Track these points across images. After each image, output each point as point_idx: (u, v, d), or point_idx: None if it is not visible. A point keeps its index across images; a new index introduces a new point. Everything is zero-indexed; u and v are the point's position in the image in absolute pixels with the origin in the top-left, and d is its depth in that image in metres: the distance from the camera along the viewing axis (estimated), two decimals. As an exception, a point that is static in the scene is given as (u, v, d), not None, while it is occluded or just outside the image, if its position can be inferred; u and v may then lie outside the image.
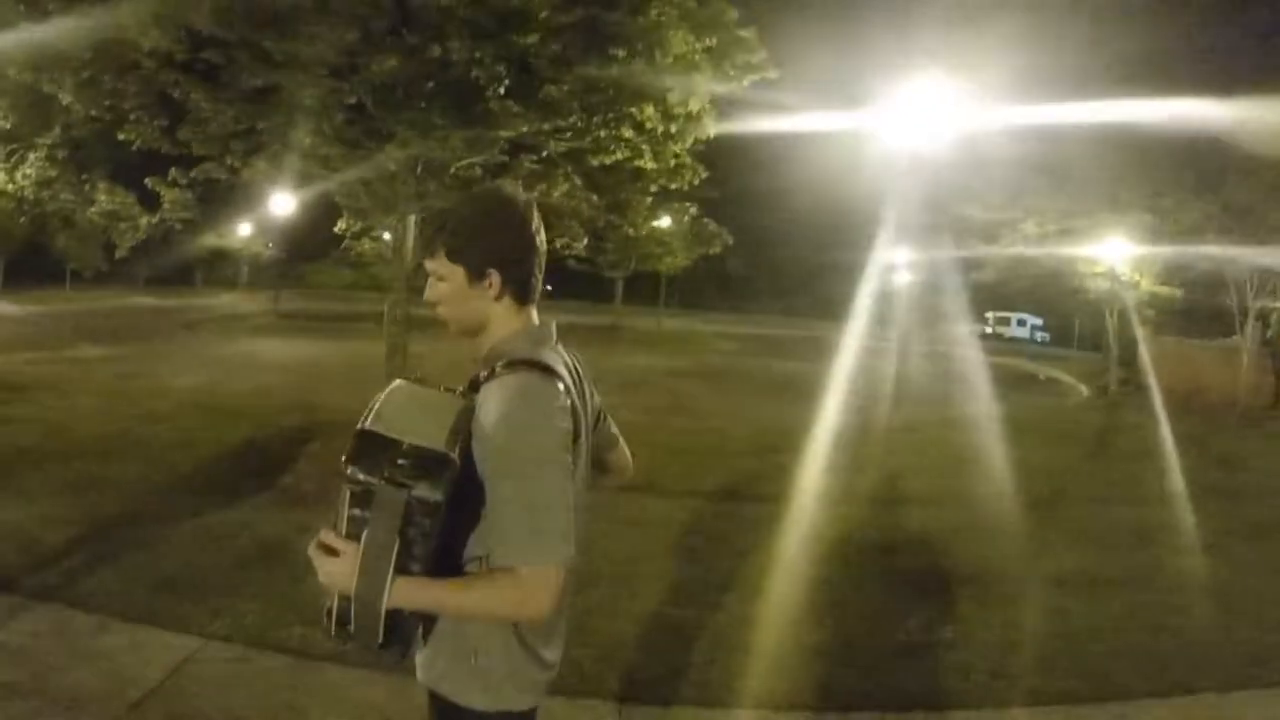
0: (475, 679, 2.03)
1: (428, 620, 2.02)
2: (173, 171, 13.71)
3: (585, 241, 26.21)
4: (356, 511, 1.87)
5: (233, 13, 8.48)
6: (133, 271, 43.09)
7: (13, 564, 5.98)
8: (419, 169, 11.04)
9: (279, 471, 8.96)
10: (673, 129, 11.10)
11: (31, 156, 21.72)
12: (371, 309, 25.27)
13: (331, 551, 1.88)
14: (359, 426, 1.91)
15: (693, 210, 36.70)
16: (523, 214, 2.11)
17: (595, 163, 11.95)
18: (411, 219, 11.06)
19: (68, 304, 34.39)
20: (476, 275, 2.08)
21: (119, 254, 29.84)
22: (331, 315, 37.78)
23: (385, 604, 1.84)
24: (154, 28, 8.34)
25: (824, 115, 16.45)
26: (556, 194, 13.46)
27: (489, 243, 2.08)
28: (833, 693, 4.93)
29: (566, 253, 33.24)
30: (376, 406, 1.95)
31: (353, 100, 10.13)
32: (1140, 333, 25.00)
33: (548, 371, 1.98)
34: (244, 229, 46.71)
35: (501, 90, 9.60)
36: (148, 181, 15.02)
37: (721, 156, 18.95)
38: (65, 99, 10.45)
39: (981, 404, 18.66)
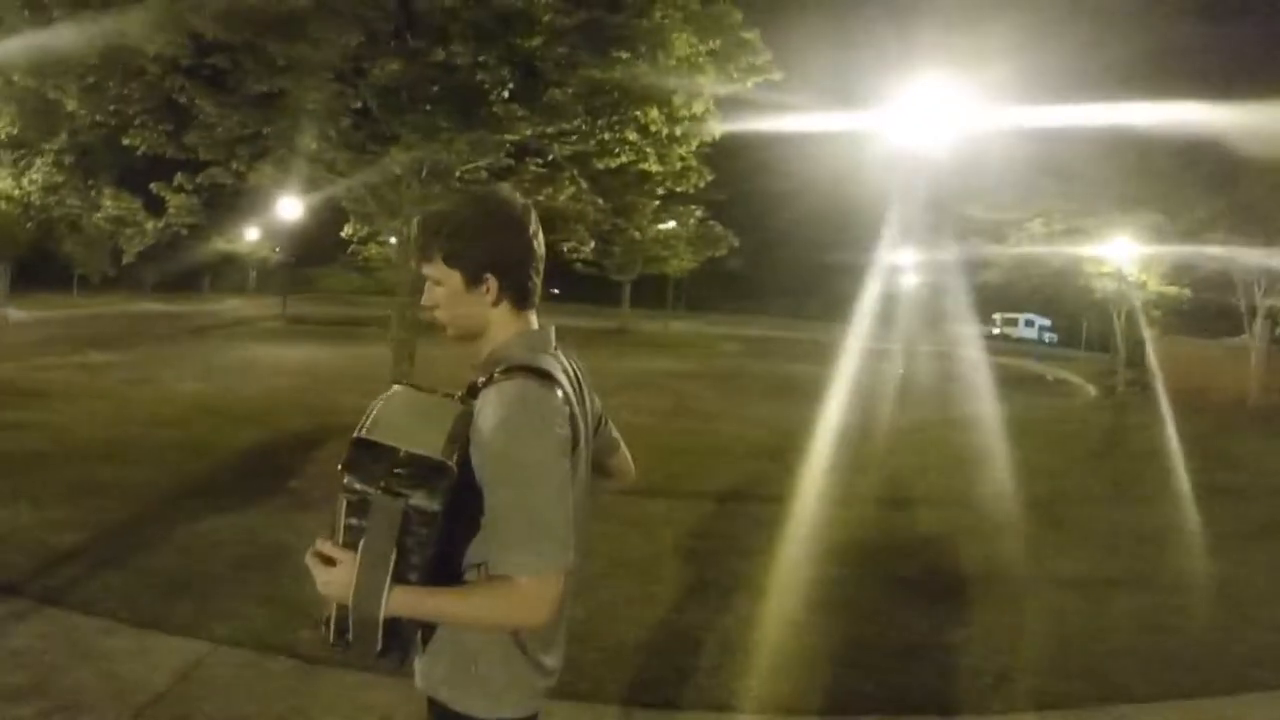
0: (474, 686, 2.02)
1: (427, 628, 2.00)
2: (178, 177, 13.74)
3: (592, 245, 26.26)
4: (353, 521, 1.86)
5: (236, 17, 8.49)
6: (140, 277, 43.17)
7: (19, 568, 6.00)
8: (424, 173, 11.07)
9: (287, 476, 8.97)
10: (678, 131, 11.10)
11: (38, 162, 21.78)
12: (379, 313, 25.27)
13: (329, 560, 1.87)
14: (355, 434, 1.90)
15: (698, 213, 36.70)
16: (520, 217, 2.09)
17: (600, 166, 11.96)
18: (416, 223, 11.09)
19: (75, 309, 34.51)
20: (473, 280, 2.06)
21: (126, 259, 29.82)
22: (339, 320, 37.81)
23: (383, 613, 1.83)
24: (158, 33, 8.35)
25: (829, 116, 16.46)
26: (562, 197, 13.50)
27: (486, 247, 2.05)
28: (838, 696, 4.92)
29: (574, 256, 33.34)
30: (373, 413, 1.94)
31: (358, 104, 10.16)
32: (1148, 333, 24.94)
33: (546, 378, 1.96)
34: (251, 234, 46.78)
35: (505, 93, 9.62)
36: (153, 187, 15.02)
37: (728, 159, 18.96)
38: (70, 104, 10.47)
39: (988, 405, 18.57)
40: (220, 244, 44.50)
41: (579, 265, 38.30)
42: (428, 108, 10.02)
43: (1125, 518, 9.55)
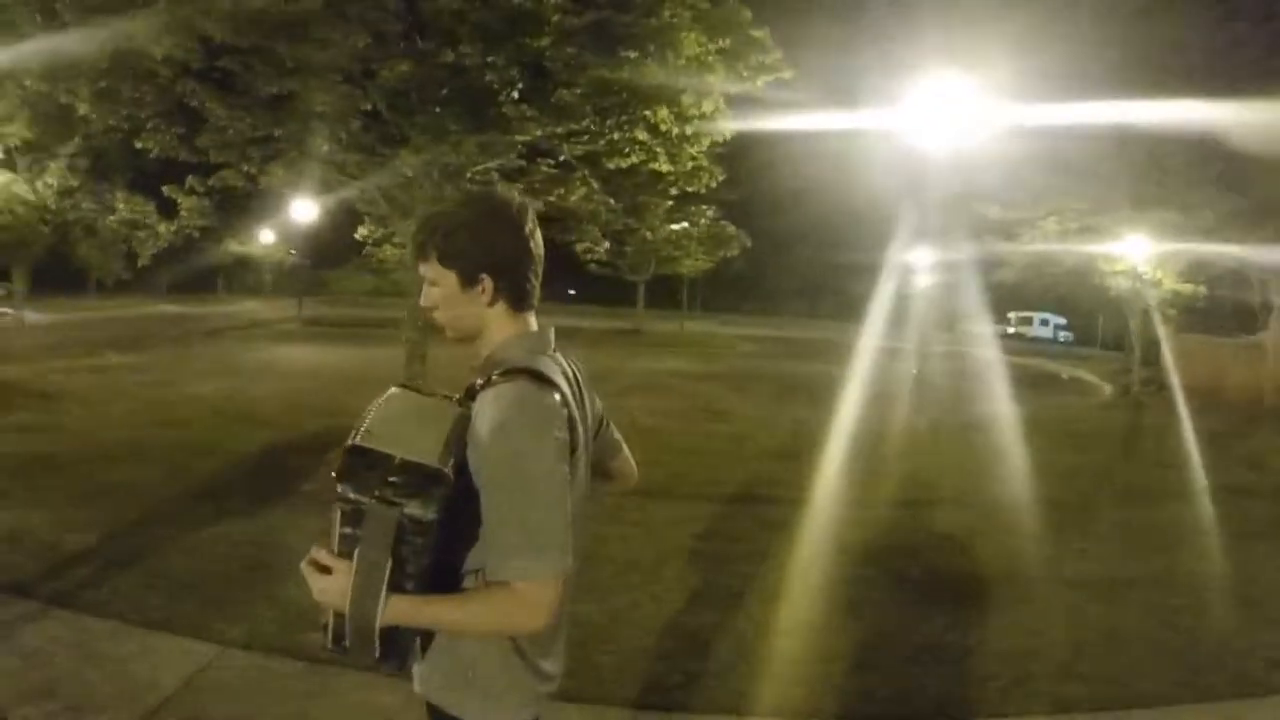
0: (473, 691, 2.00)
1: (426, 633, 1.99)
2: (190, 179, 13.80)
3: (606, 246, 26.28)
4: (348, 529, 1.85)
5: (244, 20, 8.52)
6: (155, 279, 43.41)
7: (31, 570, 6.03)
8: (435, 174, 11.08)
9: (299, 478, 8.98)
10: (688, 131, 11.08)
11: (52, 166, 21.91)
12: (394, 315, 25.30)
13: (324, 569, 1.86)
14: (349, 442, 1.89)
15: (710, 213, 36.65)
16: (516, 217, 2.07)
17: (612, 166, 11.95)
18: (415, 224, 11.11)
19: (91, 312, 34.70)
20: (469, 280, 2.05)
21: (140, 262, 30.01)
22: (354, 321, 37.94)
23: (379, 622, 1.82)
24: (165, 36, 8.38)
25: (840, 115, 16.41)
26: (574, 198, 13.49)
27: (481, 247, 2.04)
28: (849, 699, 4.88)
29: (588, 257, 33.37)
30: (369, 418, 1.93)
31: (368, 106, 10.17)
32: (1163, 331, 24.79)
33: (544, 380, 1.95)
34: (266, 236, 46.98)
35: (515, 94, 9.61)
36: (165, 189, 15.10)
37: (741, 159, 18.94)
38: (83, 109, 10.53)
39: (1003, 405, 18.51)
40: (235, 246, 44.73)
41: (593, 266, 38.42)
42: (437, 109, 10.02)
43: (1141, 518, 9.46)
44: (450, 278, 2.07)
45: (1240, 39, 19.19)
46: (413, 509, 1.82)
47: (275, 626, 5.26)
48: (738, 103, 11.45)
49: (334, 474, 1.86)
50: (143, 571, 6.17)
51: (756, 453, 12.66)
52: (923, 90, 15.20)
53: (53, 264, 33.58)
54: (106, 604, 5.52)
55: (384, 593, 1.81)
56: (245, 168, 11.60)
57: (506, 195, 2.16)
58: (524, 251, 2.08)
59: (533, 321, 2.14)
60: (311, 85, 9.39)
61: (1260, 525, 9.12)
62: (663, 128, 10.56)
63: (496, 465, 1.86)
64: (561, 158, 11.93)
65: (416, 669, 2.07)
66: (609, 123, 10.30)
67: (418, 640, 2.01)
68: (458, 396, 2.05)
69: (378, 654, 1.87)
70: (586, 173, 12.69)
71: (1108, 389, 27.39)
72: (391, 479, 1.83)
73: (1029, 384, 25.19)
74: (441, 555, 1.90)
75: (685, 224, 37.53)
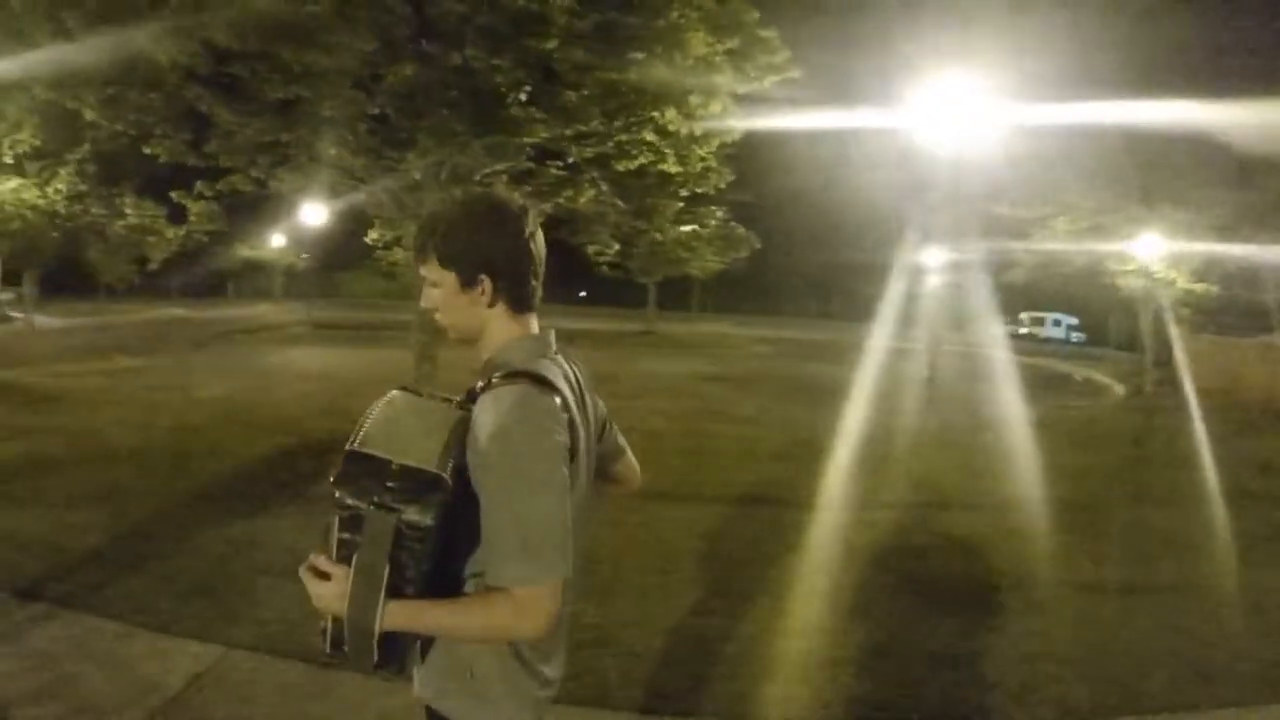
0: (472, 695, 2.00)
1: (425, 637, 1.99)
2: (198, 184, 13.84)
3: (616, 247, 26.21)
4: (346, 535, 1.85)
5: (248, 25, 8.54)
6: (166, 283, 43.56)
7: (38, 572, 6.06)
8: (442, 177, 11.08)
9: (308, 480, 8.98)
10: (696, 131, 11.07)
11: (62, 172, 21.99)
12: (404, 317, 25.34)
13: (323, 575, 1.86)
14: (348, 447, 1.88)
15: (719, 214, 36.57)
16: (516, 218, 2.06)
17: (621, 168, 11.94)
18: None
19: (101, 316, 34.82)
20: (468, 281, 2.04)
21: (150, 266, 30.17)
22: (365, 324, 37.99)
23: (378, 627, 1.82)
24: (171, 42, 8.41)
25: (852, 114, 16.38)
26: (583, 200, 13.46)
27: (479, 247, 2.03)
28: (859, 704, 4.84)
29: (598, 259, 33.37)
30: (367, 423, 1.92)
31: (376, 110, 10.18)
32: (1175, 331, 24.67)
33: (544, 383, 1.93)
34: (277, 240, 47.11)
35: (523, 96, 9.60)
36: (173, 195, 15.15)
37: (752, 160, 18.91)
38: (89, 115, 10.56)
39: (1014, 406, 18.43)
40: (245, 250, 44.86)
41: (604, 268, 38.39)
42: (445, 112, 10.02)
43: (1154, 521, 9.36)
44: (450, 278, 2.06)
45: (1247, 37, 19.10)
46: (411, 514, 1.81)
47: (280, 628, 5.26)
48: (747, 103, 11.43)
49: (331, 479, 1.85)
50: (149, 573, 6.19)
51: (766, 455, 12.62)
52: (932, 89, 15.17)
53: (64, 268, 33.71)
54: (112, 606, 5.54)
55: (382, 598, 1.81)
56: (253, 173, 11.62)
57: (506, 196, 2.15)
58: (523, 253, 2.07)
59: (534, 324, 2.13)
60: (318, 90, 9.41)
61: (1273, 529, 9.03)
62: (671, 129, 10.54)
63: (495, 469, 1.85)
64: (570, 160, 11.91)
65: (416, 672, 2.06)
66: (616, 124, 10.29)
67: (418, 644, 2.00)
68: (458, 399, 2.04)
69: (376, 659, 1.86)
70: (595, 175, 12.66)
71: (1120, 390, 27.26)
72: (389, 484, 1.83)
73: (1041, 385, 25.09)
74: (442, 560, 1.89)
75: (694, 226, 37.48)
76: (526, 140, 10.22)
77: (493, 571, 1.86)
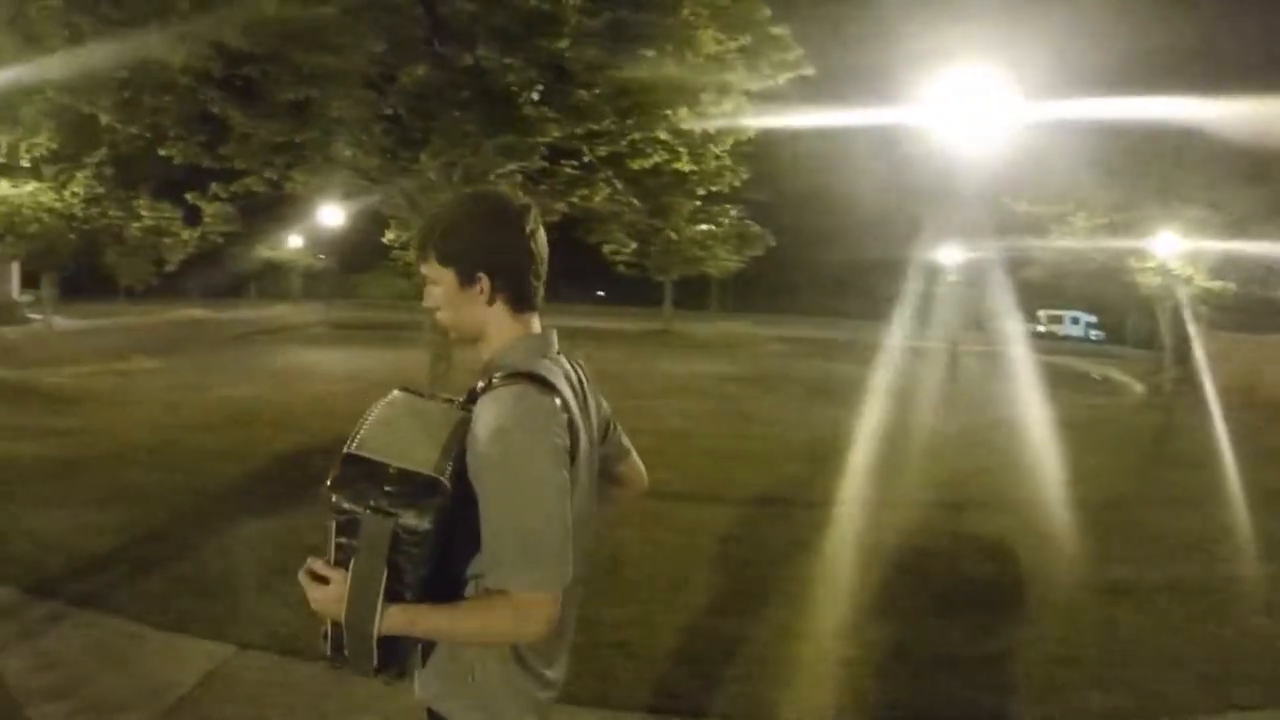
0: (472, 698, 1.99)
1: (426, 640, 1.98)
2: (213, 186, 13.90)
3: (633, 246, 26.28)
4: (343, 540, 1.84)
5: (259, 28, 8.56)
6: (186, 285, 43.69)
7: (54, 571, 6.11)
8: (455, 177, 11.08)
9: (323, 481, 8.94)
10: (711, 129, 11.04)
11: (79, 175, 22.13)
12: (421, 318, 25.37)
13: (321, 579, 1.85)
14: (345, 450, 1.87)
15: (733, 212, 36.53)
16: (515, 217, 2.04)
17: (635, 167, 11.92)
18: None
19: (120, 317, 34.94)
20: (466, 279, 2.03)
21: (168, 268, 30.31)
22: (383, 324, 38.04)
23: (377, 632, 1.81)
24: (182, 44, 8.44)
25: (867, 111, 16.33)
26: (598, 199, 13.45)
27: (478, 245, 2.02)
28: (873, 707, 4.82)
29: (616, 258, 33.42)
30: (365, 426, 1.92)
31: (389, 111, 10.19)
32: (1194, 328, 24.48)
33: (544, 384, 1.92)
34: (295, 241, 47.24)
35: (535, 96, 9.60)
36: (188, 196, 15.22)
37: (768, 158, 18.87)
38: (104, 119, 10.61)
39: (1032, 405, 18.31)
40: (263, 251, 44.99)
41: (621, 267, 38.43)
42: (458, 112, 10.02)
43: (1176, 522, 9.24)
44: (449, 276, 2.05)
45: (1268, 31, 18.92)
46: (408, 519, 1.80)
47: (293, 628, 5.26)
48: (761, 100, 11.40)
49: (328, 483, 1.85)
50: (163, 573, 6.23)
51: (783, 455, 12.58)
52: (949, 85, 15.08)
53: (83, 271, 33.87)
54: (128, 605, 5.59)
55: (380, 602, 1.80)
56: (268, 174, 11.66)
57: (506, 195, 2.15)
58: (523, 251, 2.05)
59: (535, 324, 2.11)
60: (329, 91, 9.44)
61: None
62: (684, 127, 10.53)
63: (494, 471, 1.84)
64: (585, 159, 11.91)
65: (417, 674, 2.05)
66: (629, 123, 10.28)
67: (419, 647, 1.99)
68: (460, 400, 2.03)
69: (376, 663, 1.86)
70: (610, 174, 12.65)
71: (1139, 388, 27.09)
72: (387, 488, 1.82)
73: (1059, 383, 24.88)
74: (442, 563, 1.88)
75: (708, 225, 37.42)
76: (539, 140, 10.22)
77: (491, 574, 1.85)
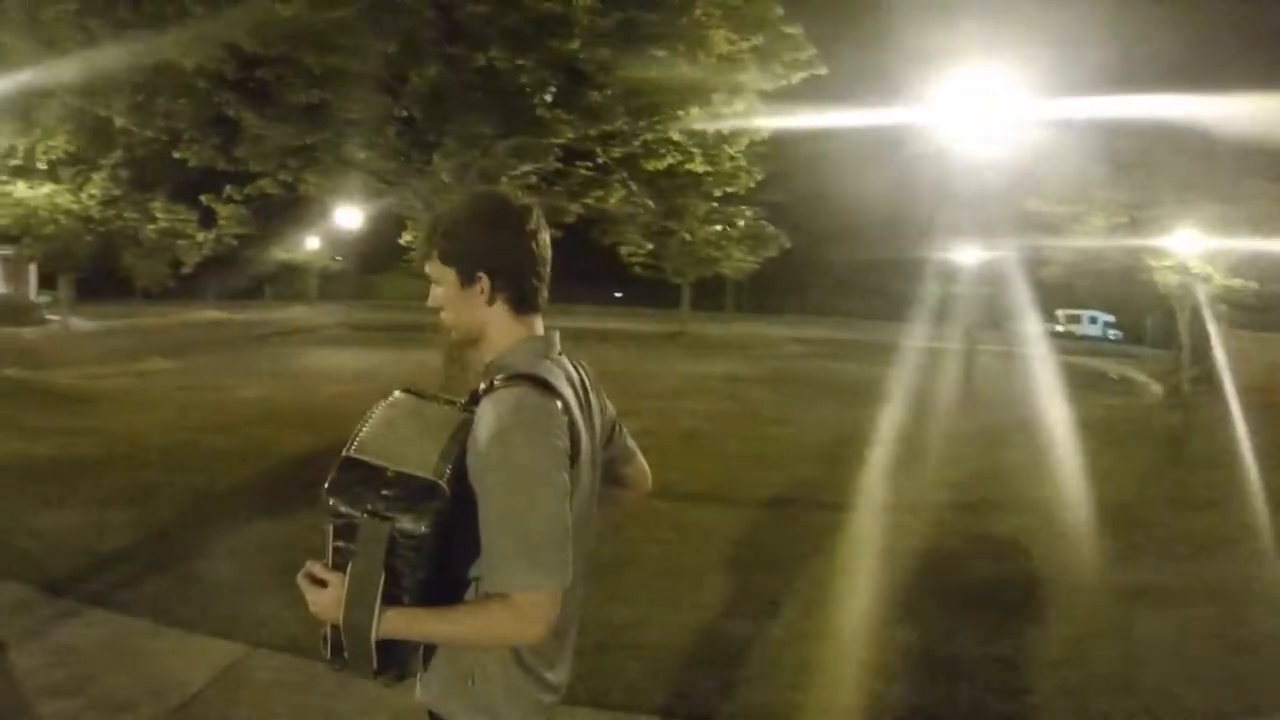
0: (473, 700, 1.98)
1: (428, 644, 1.98)
2: (227, 188, 13.95)
3: (650, 247, 26.20)
4: (340, 543, 1.84)
5: (271, 31, 8.58)
6: (203, 286, 43.92)
7: (67, 570, 6.14)
8: (469, 179, 11.09)
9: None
10: (725, 130, 11.03)
11: (95, 177, 22.25)
12: (438, 319, 25.41)
13: (319, 582, 1.85)
14: (343, 453, 1.87)
15: (748, 213, 36.44)
16: (518, 217, 2.04)
17: (649, 168, 11.92)
18: None
19: (137, 319, 35.16)
20: (467, 278, 2.03)
21: (184, 269, 30.48)
22: (401, 325, 38.09)
23: (375, 635, 1.81)
24: (194, 48, 8.47)
25: (883, 111, 16.28)
26: (613, 200, 13.44)
27: (479, 244, 2.02)
28: (886, 711, 4.77)
29: (632, 260, 33.36)
30: (365, 428, 1.92)
31: (403, 112, 10.21)
32: (1213, 327, 24.29)
33: (546, 387, 1.91)
34: (312, 243, 47.40)
35: (548, 97, 9.60)
36: (203, 199, 15.28)
37: (784, 158, 18.83)
38: (119, 121, 10.66)
39: (1050, 406, 18.19)
40: (280, 253, 45.13)
41: (637, 268, 38.39)
42: (470, 114, 10.02)
43: (1195, 524, 9.13)
44: (450, 275, 2.05)
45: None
46: (405, 523, 1.80)
47: (304, 627, 5.24)
48: (775, 101, 11.38)
49: (325, 487, 1.84)
50: (175, 572, 6.26)
51: (799, 456, 12.53)
52: (965, 84, 15.04)
53: (100, 272, 34.09)
54: (138, 603, 5.62)
55: (378, 606, 1.80)
56: (282, 176, 11.70)
57: (508, 195, 2.15)
58: (524, 251, 2.05)
59: (538, 325, 2.10)
60: (341, 93, 9.47)
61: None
62: (695, 127, 10.52)
63: (493, 473, 1.83)
64: (599, 160, 11.91)
65: (419, 677, 2.05)
66: (641, 123, 10.27)
67: (420, 650, 1.99)
68: (463, 402, 2.03)
69: (375, 665, 1.86)
70: (625, 175, 12.65)
71: (1157, 388, 26.89)
72: (384, 492, 1.82)
73: (1077, 383, 24.71)
74: (443, 565, 1.88)
75: (721, 226, 37.30)
76: (552, 141, 10.22)
77: (490, 577, 1.84)
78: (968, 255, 26.26)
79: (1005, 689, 5.03)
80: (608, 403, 2.27)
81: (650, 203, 14.56)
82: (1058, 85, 15.57)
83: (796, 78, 10.75)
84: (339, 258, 50.25)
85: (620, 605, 5.79)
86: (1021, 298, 28.42)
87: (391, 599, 1.81)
